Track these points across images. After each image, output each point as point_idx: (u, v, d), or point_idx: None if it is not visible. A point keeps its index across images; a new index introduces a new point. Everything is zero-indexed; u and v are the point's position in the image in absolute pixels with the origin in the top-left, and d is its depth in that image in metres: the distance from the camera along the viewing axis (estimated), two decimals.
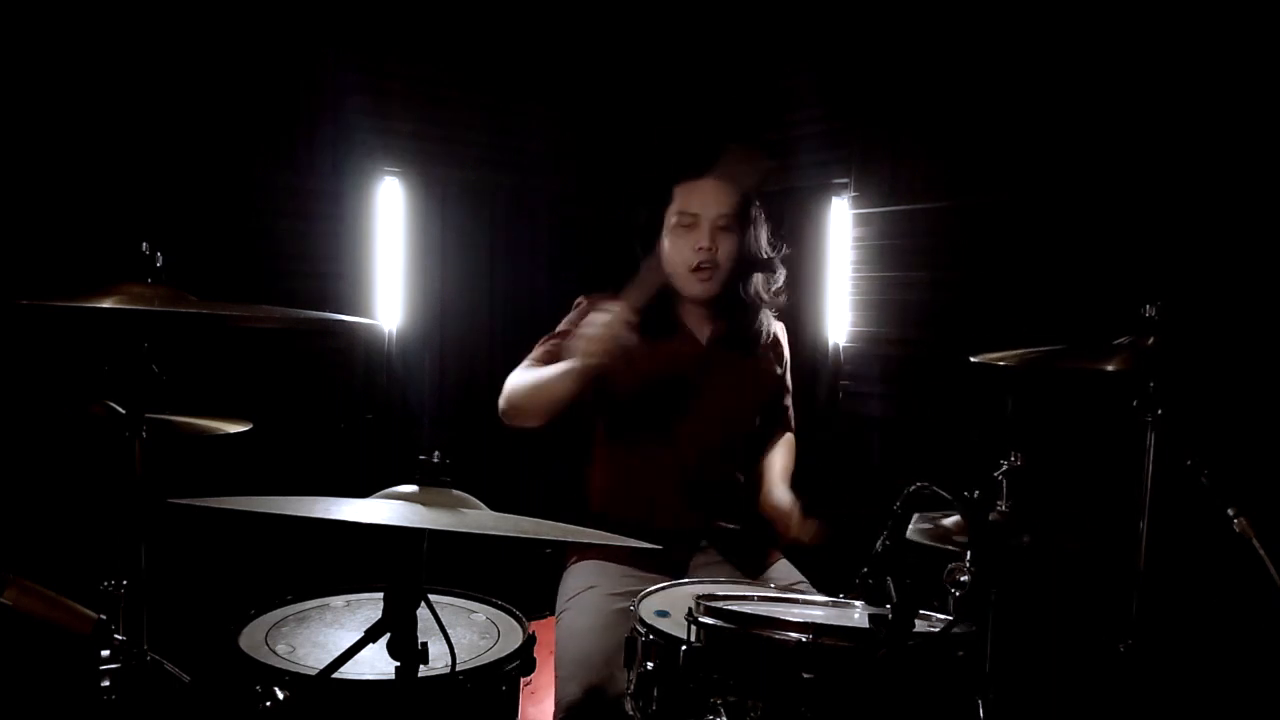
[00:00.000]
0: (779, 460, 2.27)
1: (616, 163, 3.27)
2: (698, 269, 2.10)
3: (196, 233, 2.40)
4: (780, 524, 2.06)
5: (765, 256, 2.21)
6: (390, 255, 2.92)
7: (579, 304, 2.20)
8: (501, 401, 2.06)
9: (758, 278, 2.21)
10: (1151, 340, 1.65)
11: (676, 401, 2.15)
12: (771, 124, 3.08)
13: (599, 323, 1.91)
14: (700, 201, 2.10)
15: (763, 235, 2.20)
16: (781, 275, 2.25)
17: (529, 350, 2.16)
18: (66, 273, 2.04)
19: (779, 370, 2.33)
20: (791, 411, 2.40)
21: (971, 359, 1.82)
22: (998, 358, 1.76)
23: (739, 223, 2.14)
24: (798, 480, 2.33)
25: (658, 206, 2.15)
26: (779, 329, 2.33)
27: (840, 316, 2.93)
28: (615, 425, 2.19)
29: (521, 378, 2.06)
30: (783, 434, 2.36)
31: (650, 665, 1.52)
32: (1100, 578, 2.01)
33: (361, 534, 1.09)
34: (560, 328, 2.18)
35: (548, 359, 2.07)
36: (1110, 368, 1.61)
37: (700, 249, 2.08)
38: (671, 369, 2.15)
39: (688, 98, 3.30)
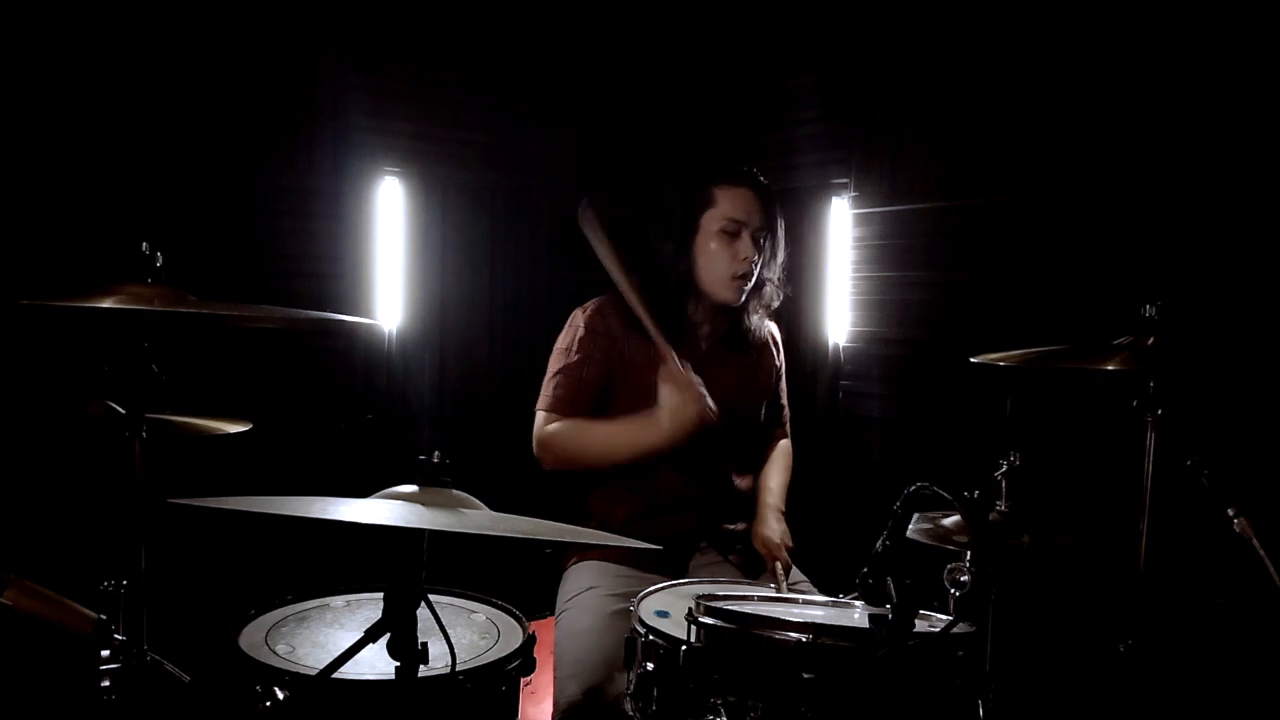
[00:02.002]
0: (775, 478, 2.29)
1: (616, 163, 3.27)
2: (739, 278, 2.11)
3: (196, 233, 2.40)
4: (767, 559, 2.09)
5: (778, 273, 2.23)
6: (390, 255, 2.92)
7: (574, 322, 2.18)
8: (548, 452, 2.09)
9: (769, 285, 2.22)
10: (1151, 340, 1.65)
11: None
12: (771, 124, 3.08)
13: (689, 397, 1.93)
14: (745, 209, 2.10)
15: (782, 245, 2.22)
16: (785, 291, 2.27)
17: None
18: (66, 273, 2.04)
19: (775, 369, 2.34)
20: (787, 413, 2.40)
21: (971, 359, 1.82)
22: (998, 358, 1.76)
23: (772, 235, 2.16)
24: (798, 481, 2.33)
25: (695, 207, 2.13)
26: (772, 328, 2.34)
27: (840, 316, 2.93)
28: None
29: (581, 437, 2.07)
30: (779, 440, 2.37)
31: (650, 666, 1.51)
32: (1100, 578, 2.01)
33: (361, 534, 1.09)
34: (560, 361, 2.14)
35: (569, 400, 2.09)
36: (1110, 368, 1.62)
37: (745, 259, 2.09)
38: None
39: (688, 98, 3.30)
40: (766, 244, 2.15)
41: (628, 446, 2.03)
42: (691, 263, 2.13)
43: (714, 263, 2.11)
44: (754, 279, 2.14)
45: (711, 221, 2.11)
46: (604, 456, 2.07)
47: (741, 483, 2.23)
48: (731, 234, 2.10)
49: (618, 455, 2.05)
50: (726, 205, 2.10)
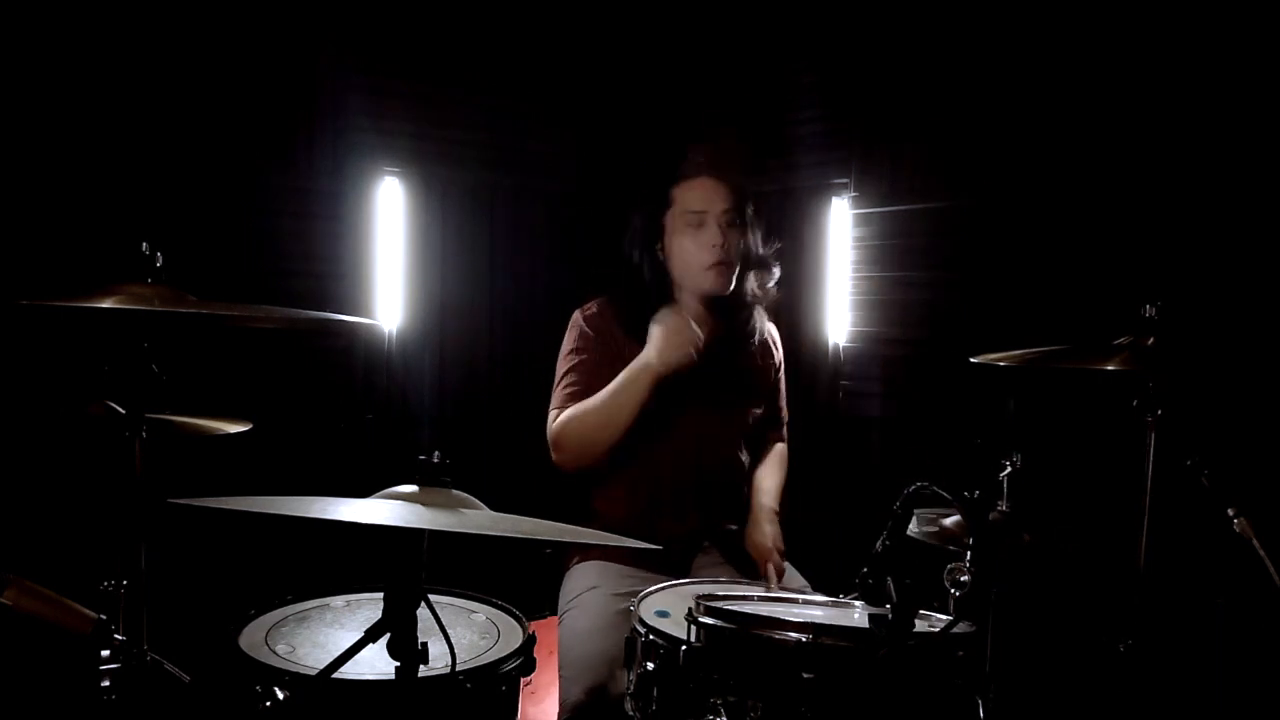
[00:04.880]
0: (769, 479, 2.27)
1: (616, 163, 3.27)
2: (714, 265, 2.10)
3: (196, 233, 2.39)
4: (759, 564, 2.07)
5: (761, 254, 2.22)
6: (390, 255, 2.92)
7: (574, 323, 2.19)
8: (565, 445, 2.07)
9: (752, 275, 2.21)
10: (1151, 340, 1.66)
11: (675, 402, 2.14)
12: (771, 124, 3.08)
13: (678, 326, 1.99)
14: (704, 198, 2.11)
15: (760, 232, 2.21)
16: (776, 273, 2.25)
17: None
18: (66, 273, 2.04)
19: (773, 368, 2.33)
20: (785, 413, 2.39)
21: (972, 359, 1.82)
22: (998, 358, 1.76)
23: (741, 218, 2.15)
24: (798, 481, 2.33)
25: (656, 211, 2.14)
26: (771, 328, 2.33)
27: (840, 316, 2.93)
28: None
29: (585, 410, 2.04)
30: (774, 443, 2.36)
31: (650, 665, 1.52)
32: (1100, 578, 2.01)
33: (361, 534, 1.09)
34: (569, 362, 2.15)
35: (582, 394, 2.07)
36: (1110, 368, 1.62)
37: (715, 245, 2.08)
38: None
39: (688, 98, 3.30)
40: (738, 226, 2.13)
41: (631, 383, 2.00)
42: (667, 265, 2.14)
43: (686, 257, 2.12)
44: (734, 264, 2.13)
45: (675, 220, 2.13)
46: (611, 416, 2.02)
47: (742, 483, 2.23)
48: (696, 226, 2.10)
49: (628, 399, 2.00)
50: (684, 200, 2.12)
